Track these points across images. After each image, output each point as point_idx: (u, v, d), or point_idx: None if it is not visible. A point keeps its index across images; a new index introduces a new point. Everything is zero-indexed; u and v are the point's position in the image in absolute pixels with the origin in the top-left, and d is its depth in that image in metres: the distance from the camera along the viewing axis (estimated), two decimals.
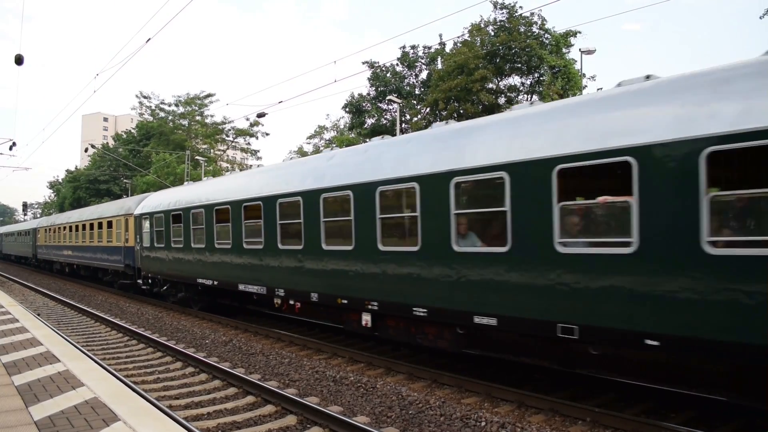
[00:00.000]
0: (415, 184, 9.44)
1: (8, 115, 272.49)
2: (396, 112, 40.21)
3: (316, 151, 55.02)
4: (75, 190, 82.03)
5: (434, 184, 9.05)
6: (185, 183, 23.71)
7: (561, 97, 35.25)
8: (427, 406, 8.49)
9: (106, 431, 5.06)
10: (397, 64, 46.37)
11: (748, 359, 6.01)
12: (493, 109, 36.13)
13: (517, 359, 10.41)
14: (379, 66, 46.00)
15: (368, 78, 46.42)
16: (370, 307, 10.57)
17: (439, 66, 43.08)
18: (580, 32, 38.37)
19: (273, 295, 13.48)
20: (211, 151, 66.97)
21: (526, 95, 39.63)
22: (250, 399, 9.13)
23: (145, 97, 68.46)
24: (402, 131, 38.57)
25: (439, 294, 9.10)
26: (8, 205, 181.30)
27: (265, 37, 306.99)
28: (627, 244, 6.68)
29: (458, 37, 40.65)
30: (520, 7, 38.19)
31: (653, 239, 6.46)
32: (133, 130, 77.89)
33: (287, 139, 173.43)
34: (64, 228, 35.07)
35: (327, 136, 58.14)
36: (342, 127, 55.14)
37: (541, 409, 8.22)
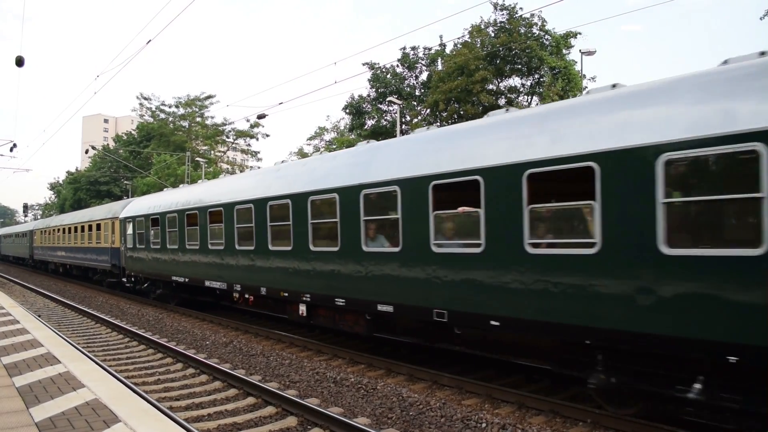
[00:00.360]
0: (335, 195, 11.22)
1: (9, 116, 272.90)
2: (396, 113, 40.24)
3: (316, 151, 55.05)
4: (75, 191, 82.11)
5: (349, 195, 10.85)
6: (164, 190, 25.67)
7: (561, 98, 35.29)
8: (428, 408, 8.50)
9: None
10: (398, 66, 46.39)
11: (562, 336, 7.76)
12: (493, 109, 36.16)
13: (413, 341, 11.91)
14: (380, 67, 46.02)
15: (368, 79, 46.46)
16: (304, 298, 12.40)
17: (440, 67, 43.12)
18: (580, 33, 38.42)
19: (232, 289, 15.37)
20: (212, 152, 67.03)
21: (526, 96, 39.65)
22: (250, 400, 9.13)
23: (145, 99, 68.60)
24: (402, 132, 38.59)
25: (353, 287, 10.88)
26: (9, 206, 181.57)
27: (265, 38, 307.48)
28: (478, 245, 8.47)
29: (458, 38, 40.71)
30: (521, 8, 38.24)
31: (494, 242, 8.31)
32: (133, 132, 77.99)
33: (287, 141, 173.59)
34: (58, 230, 36.79)
35: (327, 137, 58.21)
36: (342, 128, 55.20)
37: (541, 411, 8.22)
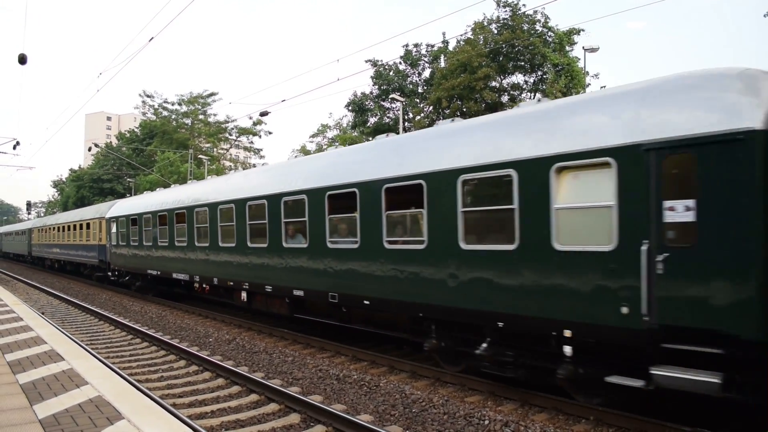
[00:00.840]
0: (265, 201, 13.84)
1: (12, 114, 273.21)
2: (399, 110, 40.20)
3: (319, 149, 55.05)
4: (78, 189, 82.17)
5: (274, 201, 13.44)
6: (144, 192, 28.77)
7: (564, 95, 35.22)
8: (431, 405, 8.50)
9: (111, 429, 5.07)
10: (400, 63, 46.34)
11: (408, 311, 10.05)
12: (496, 107, 36.09)
13: (323, 320, 13.51)
14: (382, 64, 45.97)
15: (371, 76, 46.45)
16: (244, 287, 15.04)
17: (442, 64, 43.05)
18: (583, 30, 38.35)
19: (192, 280, 18.04)
20: (214, 149, 67.06)
21: (529, 93, 39.58)
22: (253, 397, 9.14)
23: (148, 96, 68.61)
24: (405, 130, 38.55)
25: (277, 276, 13.51)
26: (12, 204, 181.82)
27: (268, 35, 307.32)
28: (356, 242, 11.01)
29: (461, 35, 40.66)
30: (524, 5, 38.13)
31: (366, 240, 10.75)
32: (136, 129, 77.97)
33: (290, 138, 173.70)
34: (54, 229, 39.52)
35: (330, 134, 58.16)
36: (345, 125, 55.15)
37: (544, 408, 8.22)
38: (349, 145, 37.91)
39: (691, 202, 6.41)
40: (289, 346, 13.19)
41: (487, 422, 7.69)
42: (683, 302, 6.45)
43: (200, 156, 56.86)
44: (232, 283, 15.58)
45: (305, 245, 12.42)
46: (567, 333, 7.49)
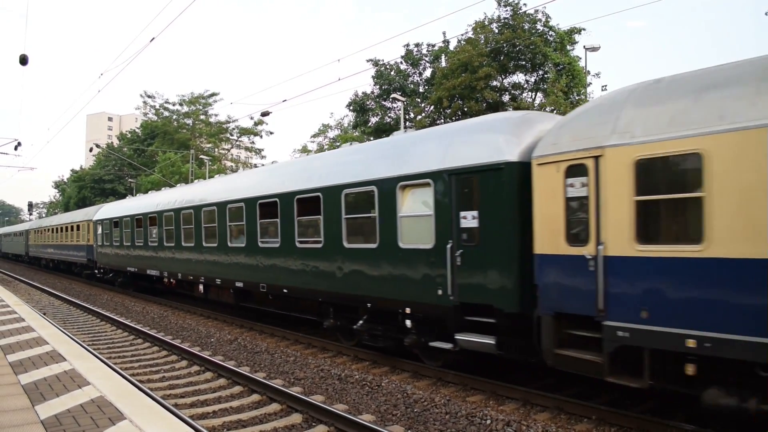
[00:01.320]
0: (215, 207, 16.66)
1: (13, 115, 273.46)
2: (400, 110, 40.16)
3: (320, 149, 55.02)
4: (80, 189, 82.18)
5: (221, 208, 16.24)
6: (128, 197, 33.77)
7: (565, 94, 35.18)
8: (433, 405, 8.49)
9: (113, 430, 5.07)
10: (401, 62, 46.25)
11: (312, 297, 12.74)
12: (497, 106, 36.05)
13: (265, 309, 16.06)
14: (383, 64, 45.93)
15: (372, 76, 46.33)
16: (201, 281, 18.04)
17: (443, 64, 42.99)
18: (584, 29, 38.21)
19: (163, 276, 21.07)
20: (216, 150, 67.06)
21: (530, 93, 39.52)
22: (255, 397, 9.14)
23: (149, 97, 68.61)
24: (406, 129, 38.52)
25: (224, 271, 16.43)
26: (14, 204, 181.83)
27: (269, 35, 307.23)
28: (277, 242, 13.69)
29: (462, 34, 40.57)
30: (524, 4, 38.03)
31: (284, 241, 13.48)
32: (137, 130, 77.93)
33: (292, 138, 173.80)
34: (48, 230, 42.24)
35: (331, 134, 58.12)
36: (346, 125, 55.10)
37: (546, 407, 8.21)
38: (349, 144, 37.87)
39: (475, 213, 8.95)
40: (290, 347, 13.19)
41: (489, 422, 7.69)
42: (472, 286, 8.96)
43: (201, 156, 56.85)
44: (192, 278, 18.65)
45: (244, 245, 15.10)
46: (407, 310, 10.12)
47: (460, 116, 38.07)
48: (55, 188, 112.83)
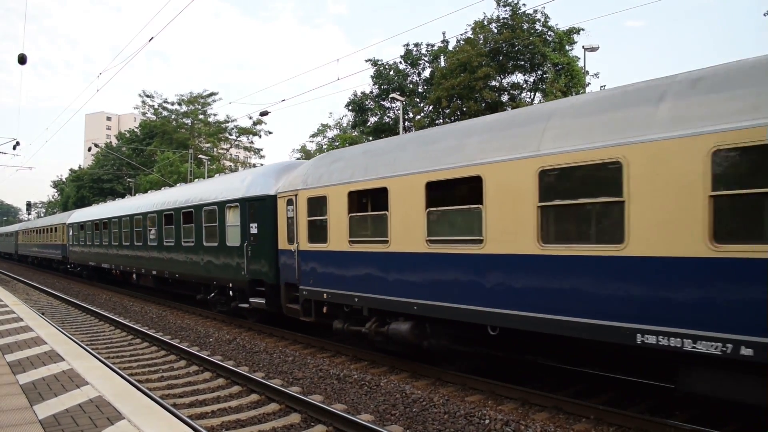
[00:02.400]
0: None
1: (11, 114, 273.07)
2: (399, 110, 40.17)
3: (319, 149, 55.01)
4: (78, 189, 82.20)
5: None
6: (93, 205, 41.38)
7: (564, 94, 35.19)
8: (431, 404, 8.49)
9: (111, 430, 5.07)
10: (400, 62, 46.27)
11: (193, 279, 18.37)
12: (496, 106, 36.07)
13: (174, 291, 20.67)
14: (382, 64, 45.93)
15: (371, 76, 46.37)
16: (134, 271, 23.66)
17: (442, 64, 43.01)
18: (583, 29, 38.33)
19: (113, 269, 27.24)
20: (215, 149, 67.03)
21: (529, 93, 39.55)
22: (254, 397, 9.14)
23: (148, 96, 68.56)
24: (405, 129, 38.53)
25: (147, 263, 21.88)
26: (12, 204, 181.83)
27: (267, 35, 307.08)
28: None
29: (461, 34, 40.61)
30: (524, 4, 38.09)
31: (177, 241, 18.91)
32: (136, 129, 77.94)
33: (291, 138, 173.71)
34: (33, 231, 49.40)
35: (330, 134, 58.11)
36: (345, 125, 55.10)
37: (545, 407, 8.21)
38: (349, 144, 37.97)
39: (256, 224, 14.55)
40: (289, 346, 13.19)
41: (487, 421, 7.69)
42: (255, 269, 14.56)
43: (200, 156, 56.83)
44: (129, 269, 24.40)
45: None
46: (230, 284, 15.94)
47: (459, 116, 38.09)
48: (53, 188, 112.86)
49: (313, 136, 60.52)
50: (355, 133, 49.23)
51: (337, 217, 11.43)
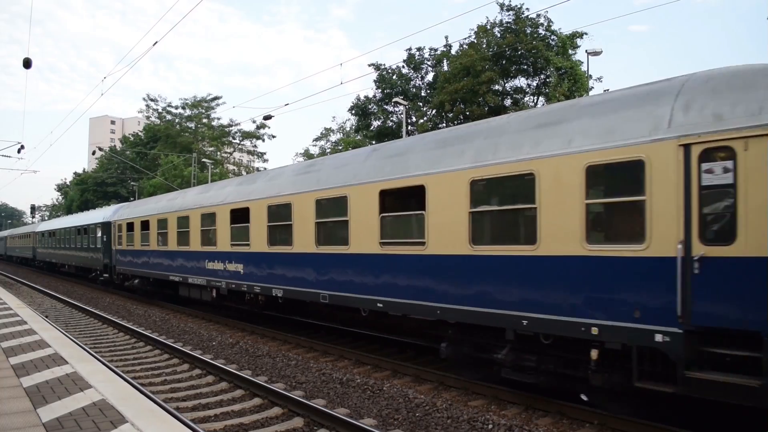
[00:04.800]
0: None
1: (16, 118, 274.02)
2: (402, 114, 40.19)
3: (322, 152, 55.07)
4: (83, 192, 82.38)
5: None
6: (62, 218, 51.60)
7: (567, 98, 35.15)
8: (434, 409, 8.48)
9: None
10: (403, 67, 46.29)
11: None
12: (499, 110, 36.07)
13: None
14: (386, 68, 45.98)
15: (374, 80, 46.36)
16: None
17: (445, 68, 43.04)
18: (586, 33, 38.28)
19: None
20: (218, 153, 67.13)
21: (532, 97, 39.54)
22: (257, 401, 9.14)
23: (152, 100, 68.72)
24: (408, 133, 38.54)
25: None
26: (16, 207, 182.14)
27: (271, 39, 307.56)
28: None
29: (464, 39, 40.63)
30: (527, 8, 38.13)
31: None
32: (140, 133, 78.11)
33: (294, 142, 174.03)
34: (15, 237, 62.36)
35: (333, 138, 58.21)
36: (348, 129, 55.18)
37: (548, 412, 8.20)
38: (352, 148, 38.01)
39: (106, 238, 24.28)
40: (292, 350, 13.19)
41: (490, 426, 7.67)
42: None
43: (204, 159, 56.89)
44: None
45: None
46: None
47: (462, 120, 38.08)
48: (57, 191, 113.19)
49: (316, 139, 60.68)
50: (359, 137, 49.27)
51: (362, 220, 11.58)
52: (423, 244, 9.56)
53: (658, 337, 6.53)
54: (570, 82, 37.15)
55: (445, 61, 44.04)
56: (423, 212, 9.54)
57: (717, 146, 6.21)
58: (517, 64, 38.31)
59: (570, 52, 38.57)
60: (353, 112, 48.50)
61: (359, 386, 9.88)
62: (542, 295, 7.79)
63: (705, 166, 6.30)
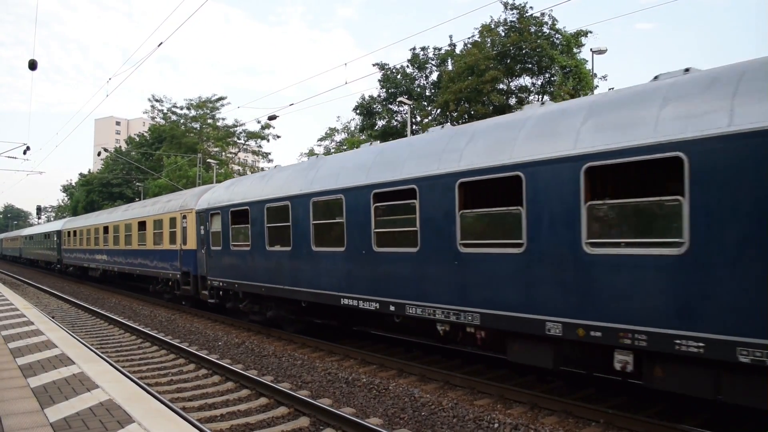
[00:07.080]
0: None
1: (22, 119, 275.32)
2: (407, 113, 40.21)
3: (327, 152, 55.09)
4: (88, 193, 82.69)
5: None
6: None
7: (572, 97, 35.08)
8: (440, 408, 8.48)
9: None
10: (408, 66, 46.29)
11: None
12: (503, 109, 36.01)
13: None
14: (390, 68, 45.97)
15: (379, 80, 46.39)
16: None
17: (450, 67, 43.01)
18: (591, 32, 38.18)
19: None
20: (223, 153, 67.24)
21: (536, 95, 39.46)
22: (263, 401, 9.15)
23: (157, 101, 68.82)
24: (413, 132, 38.53)
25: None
26: (23, 208, 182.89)
27: (276, 39, 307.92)
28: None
29: (469, 38, 40.60)
30: (531, 7, 38.06)
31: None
32: (145, 134, 78.30)
33: (299, 142, 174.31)
34: (9, 240, 67.94)
35: (338, 138, 58.23)
36: (353, 129, 55.19)
37: (554, 411, 8.18)
38: (357, 147, 38.00)
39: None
40: (297, 350, 13.21)
41: (496, 425, 7.67)
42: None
43: (209, 160, 56.95)
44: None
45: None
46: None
47: (466, 119, 38.04)
48: (63, 192, 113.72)
49: (321, 139, 60.69)
50: (363, 136, 49.26)
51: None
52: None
53: None
54: (575, 81, 37.06)
55: (449, 60, 44.02)
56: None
57: None
58: (521, 63, 38.25)
59: (575, 50, 38.48)
60: (358, 111, 48.53)
61: (365, 385, 9.89)
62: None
63: None
